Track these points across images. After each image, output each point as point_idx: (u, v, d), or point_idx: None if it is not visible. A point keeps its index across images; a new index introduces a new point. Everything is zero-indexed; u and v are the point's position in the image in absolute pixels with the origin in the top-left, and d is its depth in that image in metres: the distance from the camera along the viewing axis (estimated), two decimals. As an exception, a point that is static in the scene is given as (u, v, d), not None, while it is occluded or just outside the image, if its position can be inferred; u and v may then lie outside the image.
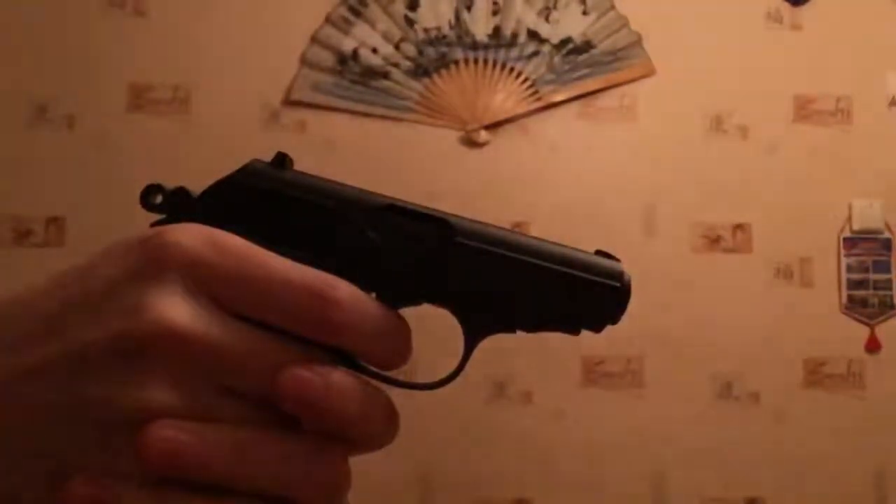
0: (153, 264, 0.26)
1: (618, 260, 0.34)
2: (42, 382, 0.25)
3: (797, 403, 1.94)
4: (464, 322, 0.33)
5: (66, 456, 0.25)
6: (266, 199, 0.31)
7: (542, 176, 2.01)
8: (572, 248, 0.34)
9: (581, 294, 0.33)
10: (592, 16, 2.07)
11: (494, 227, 0.33)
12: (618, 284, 0.33)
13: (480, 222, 0.33)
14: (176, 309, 0.25)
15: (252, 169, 0.31)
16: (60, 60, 2.00)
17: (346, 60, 2.03)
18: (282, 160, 0.32)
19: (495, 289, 0.32)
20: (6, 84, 1.99)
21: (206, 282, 0.26)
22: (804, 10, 2.09)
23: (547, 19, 2.06)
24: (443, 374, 0.33)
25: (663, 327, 1.91)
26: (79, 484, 0.24)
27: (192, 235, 0.26)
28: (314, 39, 2.03)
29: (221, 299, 0.26)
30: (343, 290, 0.27)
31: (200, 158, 1.92)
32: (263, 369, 0.26)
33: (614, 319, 0.33)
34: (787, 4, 2.09)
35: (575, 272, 0.33)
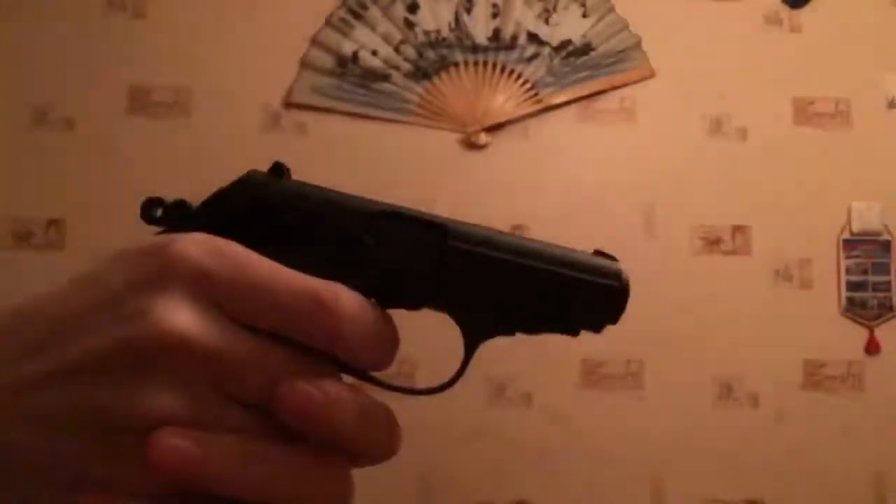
0: (158, 273, 0.26)
1: (616, 259, 0.34)
2: (48, 391, 0.25)
3: (797, 405, 1.94)
4: (463, 326, 0.33)
5: (73, 464, 0.25)
6: (264, 209, 0.31)
7: (541, 178, 2.02)
8: (570, 249, 0.33)
9: (579, 295, 0.33)
10: (592, 18, 2.07)
11: (491, 229, 0.33)
12: (616, 284, 0.33)
13: (477, 225, 0.33)
14: (180, 317, 0.25)
15: (250, 179, 0.32)
16: (60, 63, 2.01)
17: (346, 63, 2.03)
18: (279, 169, 0.32)
19: (493, 292, 0.32)
20: (7, 87, 1.99)
21: (210, 290, 0.26)
22: (803, 12, 2.09)
23: (546, 22, 2.06)
24: (443, 378, 0.33)
25: (663, 329, 1.91)
26: (89, 500, 0.24)
27: (196, 244, 0.27)
28: (314, 42, 2.03)
29: (225, 307, 0.26)
30: (346, 297, 0.28)
31: (201, 161, 1.92)
32: (265, 379, 0.26)
33: (613, 319, 0.33)
34: (785, 7, 2.09)
35: (573, 273, 0.33)
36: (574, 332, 0.34)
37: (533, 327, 0.33)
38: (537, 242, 0.33)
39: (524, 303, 0.33)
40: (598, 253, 0.34)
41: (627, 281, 0.33)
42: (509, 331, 0.33)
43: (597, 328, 0.34)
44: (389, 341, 0.30)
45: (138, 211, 0.31)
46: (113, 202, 1.91)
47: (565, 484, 1.90)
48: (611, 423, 1.93)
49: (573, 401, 1.93)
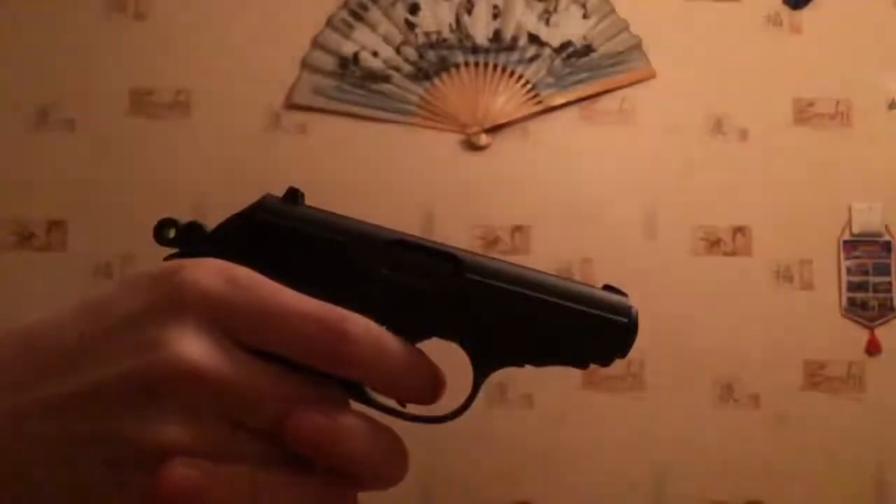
0: (170, 301, 0.26)
1: (625, 294, 0.35)
2: (57, 417, 0.25)
3: (797, 406, 1.94)
4: (473, 357, 0.33)
5: (81, 492, 0.25)
6: (279, 235, 0.31)
7: (542, 179, 2.02)
8: (580, 283, 0.34)
9: (590, 330, 0.33)
10: (593, 19, 2.07)
11: (504, 262, 0.33)
12: (625, 320, 0.34)
13: (490, 258, 0.33)
14: (191, 346, 0.25)
15: (265, 204, 0.32)
16: (61, 64, 2.01)
17: (346, 64, 2.03)
18: (294, 195, 0.32)
19: (504, 325, 0.33)
20: (8, 88, 1.99)
21: (221, 318, 0.26)
22: (804, 13, 2.09)
23: (547, 23, 2.06)
24: (450, 401, 0.33)
25: (663, 330, 1.91)
26: None
27: (208, 271, 0.27)
28: (315, 43, 2.04)
29: (237, 334, 0.26)
30: (356, 323, 0.27)
31: (202, 162, 1.92)
32: (275, 407, 0.26)
33: (622, 354, 0.34)
34: (786, 7, 2.09)
35: (584, 308, 0.33)
36: (584, 366, 0.34)
37: (542, 360, 0.34)
38: (548, 275, 0.34)
39: (535, 336, 0.33)
40: (608, 287, 0.35)
41: (636, 316, 0.34)
42: (519, 362, 0.34)
43: (605, 362, 0.34)
44: (412, 368, 0.29)
45: (152, 235, 0.31)
46: (114, 203, 1.92)
47: (566, 485, 1.90)
48: (611, 424, 1.93)
49: (574, 402, 1.93)
